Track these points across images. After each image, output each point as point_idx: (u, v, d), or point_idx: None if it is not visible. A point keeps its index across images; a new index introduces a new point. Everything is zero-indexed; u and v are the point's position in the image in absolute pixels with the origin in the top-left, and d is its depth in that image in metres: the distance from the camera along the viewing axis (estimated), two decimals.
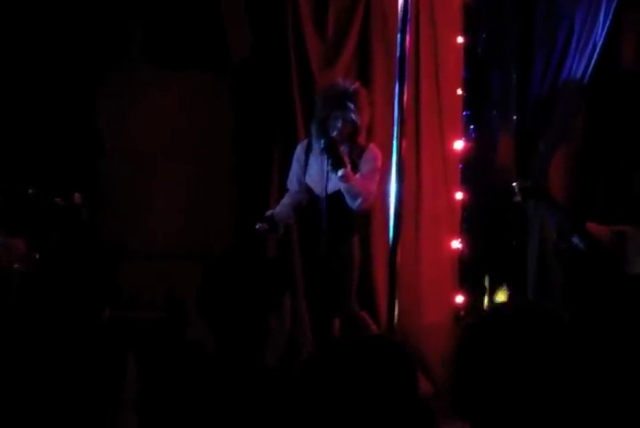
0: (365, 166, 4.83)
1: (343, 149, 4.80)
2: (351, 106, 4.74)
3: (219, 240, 5.59)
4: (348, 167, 4.74)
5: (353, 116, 4.76)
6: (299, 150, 5.04)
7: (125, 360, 2.79)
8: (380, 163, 4.86)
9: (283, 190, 5.34)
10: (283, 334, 5.44)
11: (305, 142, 5.05)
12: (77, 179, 5.59)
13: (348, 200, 4.78)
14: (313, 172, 4.91)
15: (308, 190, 4.94)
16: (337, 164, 4.68)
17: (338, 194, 4.77)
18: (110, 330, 2.82)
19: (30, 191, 5.27)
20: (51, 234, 5.23)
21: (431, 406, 1.92)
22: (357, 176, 4.80)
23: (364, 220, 5.15)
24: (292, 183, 5.05)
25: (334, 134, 4.75)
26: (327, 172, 4.68)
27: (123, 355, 2.81)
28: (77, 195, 5.41)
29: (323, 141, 4.71)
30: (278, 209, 4.97)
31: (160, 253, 5.70)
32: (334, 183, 4.74)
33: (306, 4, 5.63)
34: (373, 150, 4.89)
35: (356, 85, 4.88)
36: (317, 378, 1.81)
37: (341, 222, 4.80)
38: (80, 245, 5.28)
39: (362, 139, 4.91)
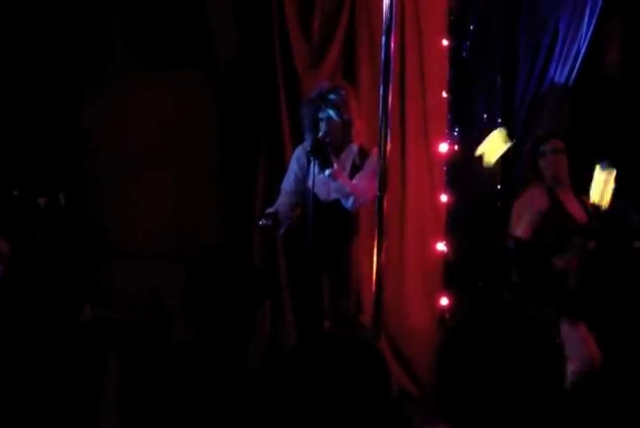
0: (367, 166, 4.84)
1: (347, 153, 4.82)
2: (332, 105, 4.74)
3: (205, 240, 5.58)
4: (335, 166, 4.75)
5: (333, 115, 4.76)
6: (300, 152, 4.99)
7: (106, 362, 2.79)
8: None
9: (269, 190, 5.34)
10: (265, 335, 5.44)
11: (306, 144, 5.01)
12: (63, 179, 5.58)
13: (341, 199, 4.79)
14: (318, 179, 4.88)
15: (312, 194, 4.86)
16: (324, 164, 4.68)
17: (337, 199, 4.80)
18: (91, 331, 2.81)
19: (15, 192, 5.25)
20: (35, 234, 5.21)
21: (405, 408, 1.92)
22: (357, 174, 4.80)
23: (358, 222, 5.11)
24: (289, 183, 4.99)
25: (321, 135, 4.75)
26: (314, 174, 4.66)
27: (104, 356, 2.80)
28: (60, 196, 5.40)
29: (309, 143, 4.72)
30: (280, 207, 4.90)
31: (144, 253, 5.69)
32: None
33: (291, 6, 5.64)
34: (377, 150, 4.88)
35: (337, 83, 4.88)
36: (291, 377, 1.82)
37: (340, 225, 4.81)
38: (64, 245, 5.27)
39: (362, 140, 4.92)
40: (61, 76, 5.59)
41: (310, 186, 4.77)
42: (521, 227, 4.54)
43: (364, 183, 4.79)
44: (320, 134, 4.75)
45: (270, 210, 4.84)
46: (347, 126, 4.81)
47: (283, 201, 4.94)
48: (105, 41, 5.73)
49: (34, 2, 5.50)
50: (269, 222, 4.77)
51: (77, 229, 5.52)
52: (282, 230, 4.87)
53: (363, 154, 4.88)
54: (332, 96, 4.77)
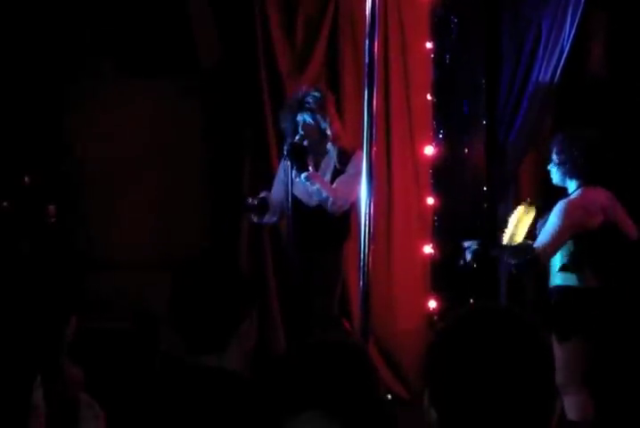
0: (350, 168, 4.85)
1: (327, 158, 4.84)
2: (307, 109, 4.76)
3: (191, 249, 5.56)
4: (311, 169, 4.74)
5: (308, 119, 4.76)
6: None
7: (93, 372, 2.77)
8: None
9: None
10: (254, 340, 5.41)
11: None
12: (48, 189, 5.55)
13: (321, 202, 4.79)
14: (300, 184, 4.89)
15: (296, 201, 4.81)
16: (300, 168, 4.68)
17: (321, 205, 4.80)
18: (78, 342, 2.80)
19: (4, 204, 5.23)
20: (22, 244, 5.19)
21: (394, 412, 1.91)
22: (340, 176, 4.82)
23: (348, 228, 5.08)
24: (276, 189, 5.03)
25: (297, 139, 4.75)
26: (291, 178, 4.65)
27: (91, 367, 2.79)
28: (51, 207, 5.37)
29: (285, 147, 4.73)
30: (272, 200, 4.92)
31: (130, 263, 5.66)
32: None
33: (274, 10, 5.63)
34: (360, 153, 4.88)
35: (315, 88, 4.89)
36: (279, 381, 1.80)
37: (326, 228, 4.80)
38: (50, 256, 5.24)
39: (346, 143, 4.91)
40: (41, 86, 5.56)
41: (288, 192, 4.78)
42: None
43: (343, 185, 4.80)
44: (296, 138, 4.76)
45: (262, 195, 4.87)
46: (323, 129, 4.81)
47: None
48: (87, 50, 5.71)
49: (13, 11, 5.48)
50: (255, 202, 4.80)
51: (62, 240, 5.49)
52: (264, 218, 4.88)
53: (344, 158, 4.87)
54: (308, 99, 4.79)
